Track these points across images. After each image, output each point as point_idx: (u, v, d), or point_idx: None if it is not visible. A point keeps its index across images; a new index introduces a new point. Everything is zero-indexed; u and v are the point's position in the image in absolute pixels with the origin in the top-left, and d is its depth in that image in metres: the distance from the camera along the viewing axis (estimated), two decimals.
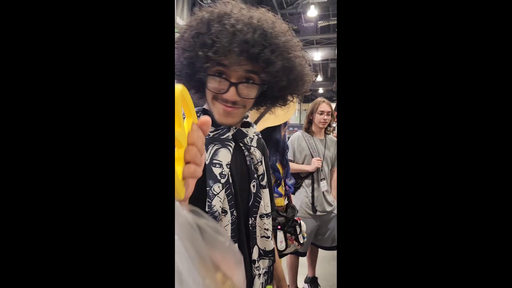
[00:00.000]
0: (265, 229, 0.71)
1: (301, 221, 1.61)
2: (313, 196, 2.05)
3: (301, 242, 1.56)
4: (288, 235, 1.49)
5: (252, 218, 0.69)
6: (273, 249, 0.74)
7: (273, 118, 1.39)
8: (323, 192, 2.06)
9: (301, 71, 0.68)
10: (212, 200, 0.60)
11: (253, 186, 0.70)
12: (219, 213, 0.61)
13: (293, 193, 2.09)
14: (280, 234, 1.50)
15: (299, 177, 2.10)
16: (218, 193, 0.61)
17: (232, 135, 0.67)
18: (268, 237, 0.72)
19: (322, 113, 2.05)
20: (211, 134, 0.64)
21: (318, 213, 2.04)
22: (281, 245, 1.49)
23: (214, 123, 0.64)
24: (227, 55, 0.59)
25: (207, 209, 0.60)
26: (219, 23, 0.59)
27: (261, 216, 0.70)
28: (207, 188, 0.60)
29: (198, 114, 0.65)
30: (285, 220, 1.49)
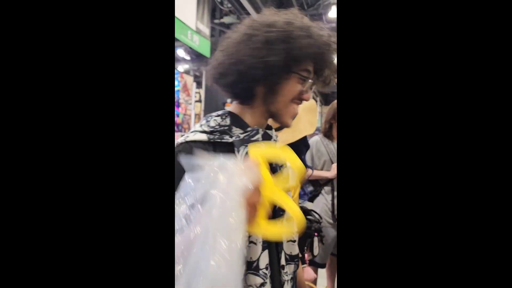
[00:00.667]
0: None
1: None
2: (333, 204, 1.95)
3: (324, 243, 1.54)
4: (319, 237, 1.48)
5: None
6: (298, 254, 0.74)
7: (310, 125, 1.39)
8: None
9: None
10: None
11: None
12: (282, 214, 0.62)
13: (311, 201, 1.99)
14: (316, 240, 1.47)
15: (318, 184, 2.00)
16: None
17: (262, 136, 0.68)
18: (294, 241, 0.72)
19: None
20: (241, 136, 0.64)
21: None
22: (316, 251, 1.46)
23: (245, 125, 0.67)
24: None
25: None
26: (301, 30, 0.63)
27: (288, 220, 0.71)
28: None
29: (223, 117, 0.68)
30: (319, 226, 1.46)
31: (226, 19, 6.63)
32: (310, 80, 0.66)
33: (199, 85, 6.47)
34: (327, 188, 1.98)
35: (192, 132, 0.64)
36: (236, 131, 0.64)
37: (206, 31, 4.80)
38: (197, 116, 7.95)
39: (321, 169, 1.99)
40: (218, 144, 0.62)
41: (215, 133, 0.63)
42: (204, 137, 0.62)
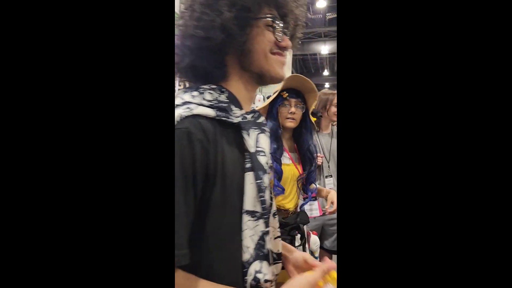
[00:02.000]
0: (277, 228, 0.65)
1: (311, 235, 1.38)
2: None
3: None
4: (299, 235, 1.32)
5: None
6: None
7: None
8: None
9: None
10: (264, 194, 0.54)
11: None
12: (270, 211, 0.57)
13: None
14: (297, 237, 1.33)
15: None
16: (267, 186, 0.55)
17: (263, 119, 0.62)
18: (280, 237, 0.66)
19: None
20: (248, 117, 0.57)
21: None
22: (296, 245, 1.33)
23: (239, 104, 0.58)
24: None
25: (261, 206, 0.54)
26: None
27: (274, 215, 0.63)
28: (258, 181, 0.54)
29: (219, 92, 0.58)
30: (291, 226, 1.30)
31: None
32: (280, 24, 0.58)
33: None
34: None
35: (189, 103, 0.53)
36: (237, 110, 0.56)
37: None
38: None
39: None
40: (223, 123, 0.54)
41: (214, 109, 0.54)
42: (210, 112, 0.52)
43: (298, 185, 1.31)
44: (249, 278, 0.53)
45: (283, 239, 1.21)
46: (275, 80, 0.60)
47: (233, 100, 0.57)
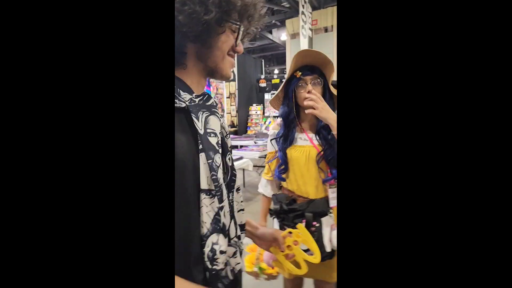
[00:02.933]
0: (240, 202, 0.73)
1: (335, 229, 1.17)
2: None
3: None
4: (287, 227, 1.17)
5: (231, 194, 0.68)
6: (245, 223, 0.77)
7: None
8: None
9: None
10: (217, 173, 0.58)
11: (229, 159, 0.68)
12: (223, 188, 0.60)
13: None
14: (275, 223, 1.23)
15: None
16: (219, 165, 0.59)
17: (214, 100, 0.66)
18: (243, 210, 0.73)
19: None
20: (197, 101, 0.62)
21: None
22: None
23: (190, 89, 0.63)
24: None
25: (214, 184, 0.58)
26: None
27: (238, 190, 0.72)
28: (209, 161, 0.58)
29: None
30: (279, 208, 1.20)
31: None
32: (241, 28, 0.64)
33: None
34: None
35: None
36: (185, 95, 0.61)
37: None
38: (232, 95, 7.93)
39: None
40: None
41: None
42: None
43: (319, 166, 1.19)
44: (207, 250, 0.58)
45: (287, 225, 1.18)
46: (224, 78, 0.68)
47: (181, 85, 0.62)
